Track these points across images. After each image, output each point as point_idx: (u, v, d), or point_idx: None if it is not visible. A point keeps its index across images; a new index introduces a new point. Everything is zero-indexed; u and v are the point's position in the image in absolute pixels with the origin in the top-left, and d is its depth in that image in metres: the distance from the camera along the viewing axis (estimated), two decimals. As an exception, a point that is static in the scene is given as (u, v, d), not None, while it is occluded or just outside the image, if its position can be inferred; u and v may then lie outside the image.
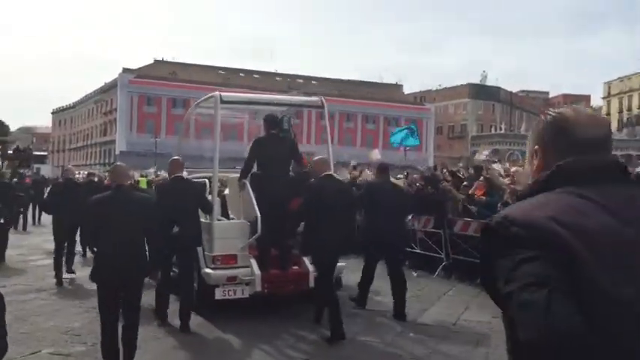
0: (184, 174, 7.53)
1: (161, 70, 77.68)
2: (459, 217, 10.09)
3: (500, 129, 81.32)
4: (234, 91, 71.80)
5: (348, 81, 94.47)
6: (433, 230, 10.51)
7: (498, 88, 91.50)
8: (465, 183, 10.81)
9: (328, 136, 8.76)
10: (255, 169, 7.42)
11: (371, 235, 7.32)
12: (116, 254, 4.82)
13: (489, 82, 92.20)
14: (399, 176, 14.45)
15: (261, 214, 6.78)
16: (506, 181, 9.79)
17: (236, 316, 6.76)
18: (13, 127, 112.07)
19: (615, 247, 1.25)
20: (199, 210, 6.91)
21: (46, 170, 65.24)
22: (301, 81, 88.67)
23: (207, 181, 7.88)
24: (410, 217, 10.77)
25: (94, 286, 5.22)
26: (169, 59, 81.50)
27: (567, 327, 1.15)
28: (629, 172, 1.45)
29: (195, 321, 6.61)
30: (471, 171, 12.20)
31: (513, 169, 10.39)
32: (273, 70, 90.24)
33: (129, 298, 4.96)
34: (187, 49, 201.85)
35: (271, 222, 6.82)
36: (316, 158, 7.10)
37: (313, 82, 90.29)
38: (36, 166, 58.38)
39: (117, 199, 5.00)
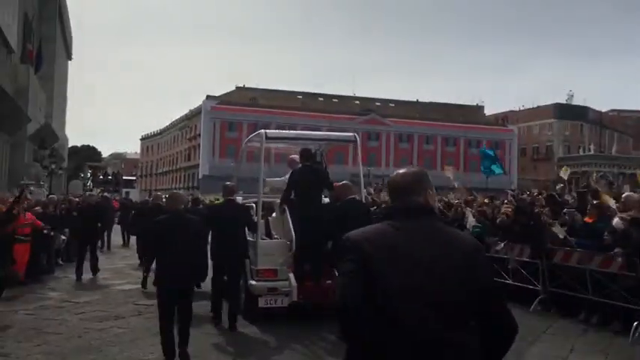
0: (239, 198, 9.01)
1: (242, 97, 79.60)
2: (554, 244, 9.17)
3: (589, 150, 77.36)
4: (312, 115, 72.44)
5: (428, 103, 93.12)
6: (528, 260, 9.65)
7: (586, 108, 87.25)
8: (565, 209, 9.86)
9: (360, 169, 9.93)
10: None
11: None
12: (171, 266, 5.95)
13: (576, 102, 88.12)
14: (485, 200, 13.57)
15: (296, 234, 7.86)
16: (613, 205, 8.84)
17: (275, 321, 7.89)
18: (105, 154, 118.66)
19: (399, 256, 2.05)
20: (246, 229, 8.14)
21: (135, 194, 67.81)
22: (379, 104, 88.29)
23: (253, 205, 9.02)
24: (502, 245, 10.01)
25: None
26: (250, 86, 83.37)
27: (351, 300, 2.02)
28: (430, 209, 2.22)
29: (242, 323, 7.86)
30: (572, 194, 11.16)
31: (625, 194, 9.36)
32: (351, 94, 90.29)
33: (183, 300, 6.13)
34: (268, 75, 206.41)
35: (305, 241, 7.86)
36: (340, 184, 8.45)
37: (391, 104, 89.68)
38: (125, 190, 60.79)
39: (172, 221, 6.17)
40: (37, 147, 35.34)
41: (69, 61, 74.86)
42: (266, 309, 7.93)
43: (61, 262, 14.57)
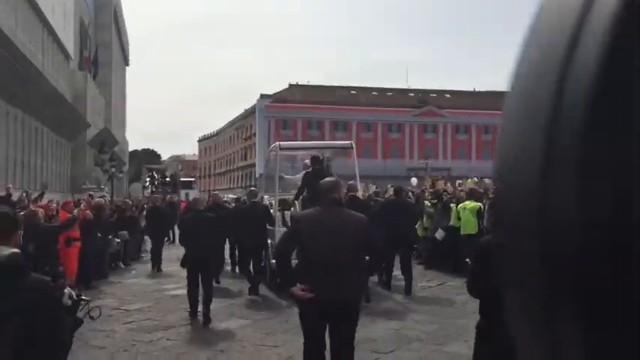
0: (265, 196, 12.80)
1: (296, 94, 79.39)
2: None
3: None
4: (366, 110, 71.64)
5: (485, 92, 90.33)
6: None
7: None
8: None
9: (357, 171, 11.49)
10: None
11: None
12: (195, 251, 8.13)
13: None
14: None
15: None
16: None
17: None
18: (164, 157, 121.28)
19: (318, 229, 4.22)
20: (267, 223, 10.54)
21: (194, 195, 68.56)
22: (434, 95, 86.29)
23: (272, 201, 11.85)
24: None
25: (223, 325, 7.96)
26: (303, 82, 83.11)
27: (282, 248, 4.48)
28: (340, 201, 4.49)
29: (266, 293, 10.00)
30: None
31: None
32: (406, 87, 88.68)
33: (204, 277, 8.26)
34: (321, 72, 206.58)
35: None
36: (348, 183, 10.50)
37: (447, 95, 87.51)
38: (184, 191, 61.51)
39: (193, 219, 8.66)
40: (97, 151, 35.95)
41: (126, 67, 76.62)
42: None
43: (122, 265, 14.68)
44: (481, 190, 13.16)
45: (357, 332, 6.86)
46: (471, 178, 22.60)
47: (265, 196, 12.79)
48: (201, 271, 8.19)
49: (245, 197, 12.77)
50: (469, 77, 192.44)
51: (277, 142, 12.51)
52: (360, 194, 12.02)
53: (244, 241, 10.87)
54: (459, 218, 11.76)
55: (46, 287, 2.67)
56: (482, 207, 11.28)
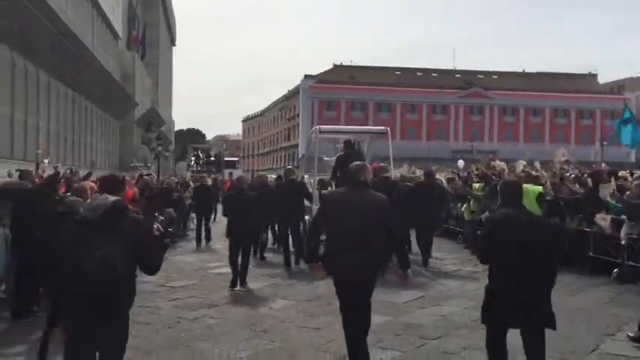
0: (305, 177, 13.56)
1: (340, 75, 78.85)
2: None
3: None
4: (410, 91, 70.78)
5: (534, 73, 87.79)
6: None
7: None
8: None
9: (391, 155, 12.58)
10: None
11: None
12: (237, 223, 9.23)
13: None
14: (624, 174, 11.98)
15: None
16: None
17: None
18: (209, 137, 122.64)
19: (344, 207, 4.84)
20: (304, 199, 11.48)
21: (237, 174, 69.14)
22: (481, 76, 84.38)
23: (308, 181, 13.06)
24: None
25: (266, 306, 7.97)
26: (347, 63, 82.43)
27: (315, 223, 5.30)
28: (364, 183, 4.98)
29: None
30: None
31: None
32: (452, 67, 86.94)
33: (244, 250, 9.27)
34: (365, 52, 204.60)
35: None
36: (378, 165, 11.69)
37: (494, 76, 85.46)
38: (228, 171, 62.08)
39: (236, 196, 9.64)
40: (144, 130, 36.53)
41: (173, 47, 77.42)
42: None
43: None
44: (534, 173, 12.69)
45: (403, 318, 6.72)
46: (521, 161, 21.91)
47: (305, 176, 13.69)
48: (242, 244, 9.24)
49: (283, 175, 13.34)
50: (518, 58, 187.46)
51: (318, 126, 13.72)
52: (396, 175, 13.93)
53: (283, 215, 11.63)
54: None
55: (140, 222, 4.02)
56: (543, 190, 10.79)
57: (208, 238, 15.44)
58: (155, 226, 4.09)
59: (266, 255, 12.40)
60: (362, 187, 4.95)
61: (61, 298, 3.92)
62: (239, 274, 9.19)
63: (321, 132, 13.35)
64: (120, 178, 4.72)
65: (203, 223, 15.52)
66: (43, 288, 7.52)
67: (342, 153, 11.82)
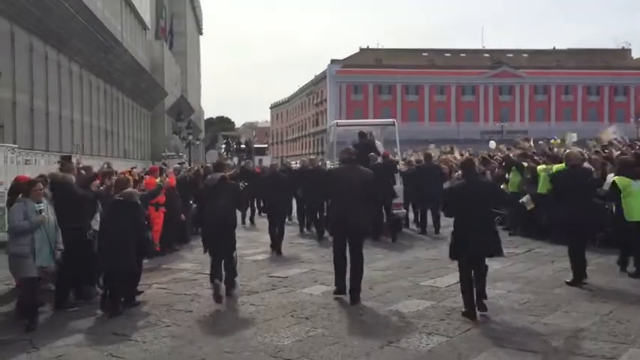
0: (328, 162, 15.94)
1: (366, 58, 78.16)
2: None
3: None
4: (438, 72, 70.26)
5: (565, 50, 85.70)
6: None
7: None
8: None
9: (397, 141, 14.70)
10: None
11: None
12: (272, 201, 12.10)
13: None
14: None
15: None
16: None
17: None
18: (238, 124, 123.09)
19: (344, 179, 7.39)
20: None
21: (267, 161, 69.37)
22: (511, 55, 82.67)
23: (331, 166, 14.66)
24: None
25: (306, 292, 7.93)
26: (374, 46, 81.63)
27: (325, 189, 8.53)
28: (355, 161, 7.61)
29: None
30: None
31: None
32: (480, 47, 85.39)
33: (279, 221, 11.56)
34: (392, 35, 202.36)
35: None
36: (386, 152, 13.81)
37: (524, 55, 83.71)
38: (258, 157, 62.25)
39: (270, 177, 12.56)
40: (174, 120, 36.83)
41: (200, 36, 77.64)
42: None
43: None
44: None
45: (446, 302, 6.60)
46: (554, 139, 21.49)
47: (328, 162, 17.00)
48: (277, 216, 11.58)
49: (308, 163, 15.45)
50: (548, 35, 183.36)
51: (335, 120, 17.61)
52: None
53: (309, 197, 13.54)
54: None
55: (234, 184, 8.23)
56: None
57: (243, 219, 15.84)
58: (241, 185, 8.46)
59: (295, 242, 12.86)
60: (352, 163, 7.61)
61: (202, 227, 8.58)
62: (277, 241, 11.43)
63: (338, 125, 16.09)
64: (223, 162, 9.32)
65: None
66: (90, 273, 7.71)
67: (357, 142, 13.68)
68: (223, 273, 7.68)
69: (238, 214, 10.01)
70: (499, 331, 5.82)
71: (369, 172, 7.73)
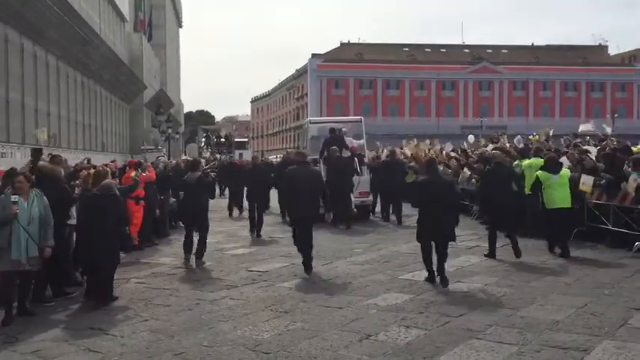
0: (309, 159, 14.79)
1: (347, 53, 78.14)
2: None
3: None
4: (419, 67, 70.50)
5: (544, 47, 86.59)
6: None
7: None
8: None
9: (364, 137, 17.38)
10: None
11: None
12: (253, 190, 13.38)
13: None
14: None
15: (327, 179, 12.38)
16: None
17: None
18: (218, 118, 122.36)
19: (295, 176, 8.85)
20: None
21: (247, 155, 69.15)
22: (490, 51, 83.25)
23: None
24: None
25: (286, 286, 7.92)
26: (355, 41, 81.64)
27: (282, 187, 11.96)
28: (306, 162, 9.51)
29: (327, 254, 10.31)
30: None
31: None
32: (460, 43, 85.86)
33: (258, 207, 13.00)
34: (372, 29, 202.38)
35: (335, 184, 13.08)
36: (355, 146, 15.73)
37: (504, 50, 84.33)
38: (238, 151, 62.01)
39: (252, 170, 14.10)
40: (154, 113, 36.49)
41: (180, 29, 76.90)
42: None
43: (182, 224, 14.70)
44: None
45: (424, 296, 6.66)
46: (532, 135, 21.72)
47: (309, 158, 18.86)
48: (257, 202, 13.02)
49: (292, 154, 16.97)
50: (527, 31, 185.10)
51: (308, 118, 21.51)
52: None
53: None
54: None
55: (208, 180, 10.31)
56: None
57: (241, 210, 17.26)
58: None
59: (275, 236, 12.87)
60: (304, 164, 9.15)
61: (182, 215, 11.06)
62: (257, 229, 12.83)
63: (311, 122, 18.90)
64: (198, 160, 10.40)
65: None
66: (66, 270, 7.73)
67: (328, 137, 15.35)
68: (195, 247, 9.64)
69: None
70: (476, 323, 5.88)
71: (316, 170, 10.16)
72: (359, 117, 19.30)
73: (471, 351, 5.09)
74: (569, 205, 9.50)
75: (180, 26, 76.79)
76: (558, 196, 9.41)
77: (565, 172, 9.79)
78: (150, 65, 44.42)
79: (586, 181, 10.27)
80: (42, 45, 22.51)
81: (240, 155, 59.11)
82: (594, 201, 10.54)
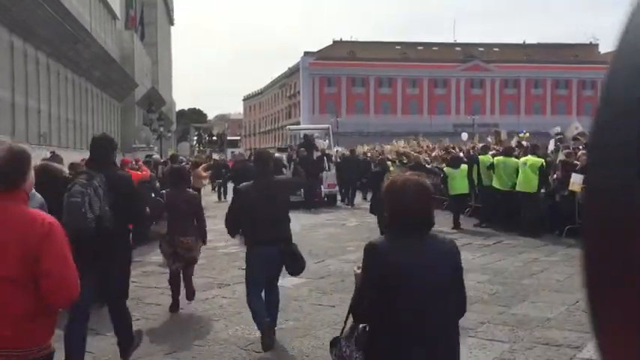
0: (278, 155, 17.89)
1: (340, 51, 78.14)
2: None
3: None
4: (411, 65, 70.91)
5: (535, 45, 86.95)
6: None
7: None
8: None
9: (332, 143, 22.33)
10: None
11: None
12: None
13: None
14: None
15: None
16: None
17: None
18: (210, 116, 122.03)
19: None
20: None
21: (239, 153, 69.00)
22: (482, 49, 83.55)
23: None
24: None
25: (280, 284, 6.69)
26: (347, 39, 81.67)
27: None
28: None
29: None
30: None
31: None
32: (452, 41, 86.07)
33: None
34: (365, 27, 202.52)
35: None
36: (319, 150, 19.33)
37: (495, 48, 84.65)
38: (230, 150, 61.94)
39: (244, 168, 15.25)
40: (145, 111, 36.39)
41: (171, 27, 76.61)
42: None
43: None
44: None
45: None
46: (522, 133, 21.76)
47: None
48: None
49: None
50: (519, 29, 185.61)
51: (290, 126, 28.80)
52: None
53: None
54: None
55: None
56: (544, 163, 10.72)
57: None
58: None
59: None
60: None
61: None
62: None
63: (290, 130, 25.41)
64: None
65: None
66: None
67: (302, 142, 19.12)
68: None
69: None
70: (468, 321, 5.88)
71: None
72: (327, 125, 24.67)
73: (462, 348, 5.09)
74: (466, 191, 13.07)
75: (172, 24, 76.49)
76: (458, 184, 12.77)
77: (463, 167, 12.88)
78: (141, 63, 44.23)
79: (576, 181, 10.33)
80: (32, 42, 22.35)
81: (232, 153, 59.09)
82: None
